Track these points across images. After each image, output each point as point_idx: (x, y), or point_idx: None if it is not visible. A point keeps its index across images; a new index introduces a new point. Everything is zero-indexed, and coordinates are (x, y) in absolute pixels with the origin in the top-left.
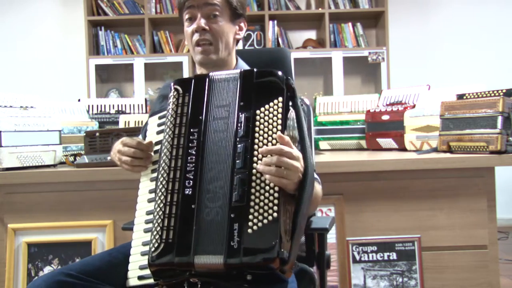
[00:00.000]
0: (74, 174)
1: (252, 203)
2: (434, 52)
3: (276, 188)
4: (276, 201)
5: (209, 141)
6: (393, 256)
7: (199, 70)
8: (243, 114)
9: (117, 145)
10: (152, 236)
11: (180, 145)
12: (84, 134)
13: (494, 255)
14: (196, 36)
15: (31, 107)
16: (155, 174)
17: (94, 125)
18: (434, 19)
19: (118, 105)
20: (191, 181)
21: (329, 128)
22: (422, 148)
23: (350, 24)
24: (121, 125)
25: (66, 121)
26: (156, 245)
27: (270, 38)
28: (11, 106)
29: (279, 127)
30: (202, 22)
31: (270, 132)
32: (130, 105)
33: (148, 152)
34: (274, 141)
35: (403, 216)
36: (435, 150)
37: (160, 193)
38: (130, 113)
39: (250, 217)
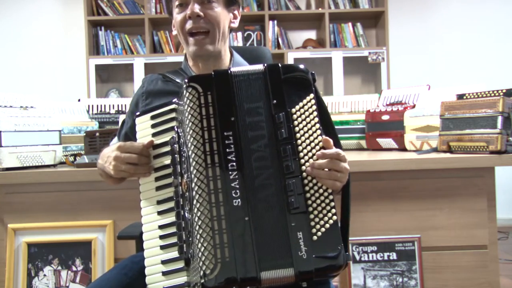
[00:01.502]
0: (74, 174)
1: (310, 209)
2: (434, 52)
3: (329, 191)
4: (332, 204)
5: (247, 145)
6: (393, 256)
7: (192, 63)
8: (281, 114)
9: (112, 152)
10: (204, 257)
11: (215, 151)
12: (84, 134)
13: (494, 255)
14: (189, 24)
15: (31, 107)
16: (160, 183)
17: (94, 125)
18: (434, 19)
19: (118, 105)
20: (238, 191)
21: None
22: (422, 148)
23: (350, 24)
24: None
25: (66, 121)
26: (211, 266)
27: (270, 38)
28: (11, 106)
29: (318, 125)
30: (196, 8)
31: (310, 132)
32: None
33: (150, 157)
34: (316, 141)
35: (403, 216)
36: (435, 150)
37: (202, 207)
38: None
39: (312, 223)
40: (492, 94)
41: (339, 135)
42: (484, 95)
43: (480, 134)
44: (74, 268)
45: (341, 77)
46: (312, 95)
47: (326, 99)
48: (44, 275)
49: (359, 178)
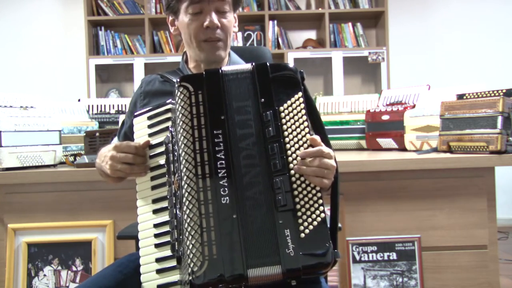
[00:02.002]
0: (74, 174)
1: (298, 206)
2: (434, 52)
3: (317, 188)
4: (320, 201)
5: (236, 143)
6: (393, 256)
7: (193, 64)
8: (269, 112)
9: (108, 152)
10: (192, 254)
11: (204, 149)
12: (84, 134)
13: (494, 255)
14: (205, 34)
15: (31, 107)
16: (155, 182)
17: (94, 125)
18: (434, 19)
19: (118, 105)
20: (226, 189)
21: (329, 128)
22: (422, 148)
23: (350, 24)
24: None
25: (66, 121)
26: (198, 263)
27: (270, 38)
28: (11, 106)
29: (306, 123)
30: (215, 19)
31: (298, 130)
32: None
33: (147, 157)
34: (304, 139)
35: (403, 216)
36: (435, 150)
37: (191, 205)
38: None
39: (300, 221)
40: (492, 94)
41: (339, 135)
42: (484, 95)
43: (480, 134)
44: (74, 268)
45: (341, 77)
46: (300, 94)
47: (326, 99)
48: (44, 275)
49: (359, 178)
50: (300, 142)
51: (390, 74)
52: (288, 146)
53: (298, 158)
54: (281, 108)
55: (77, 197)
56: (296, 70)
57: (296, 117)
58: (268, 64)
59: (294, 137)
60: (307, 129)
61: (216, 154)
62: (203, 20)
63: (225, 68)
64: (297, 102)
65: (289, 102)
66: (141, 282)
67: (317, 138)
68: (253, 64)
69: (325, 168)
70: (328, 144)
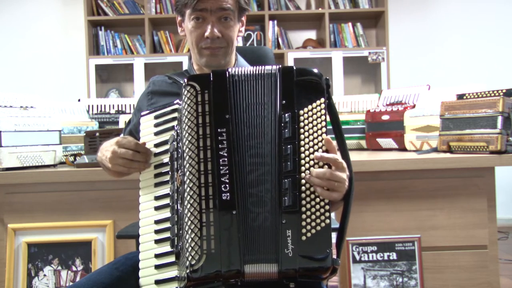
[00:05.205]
0: (74, 174)
1: (304, 209)
2: (434, 52)
3: None
4: (327, 207)
5: (242, 142)
6: (393, 256)
7: (197, 67)
8: (287, 114)
9: (110, 147)
10: (191, 248)
11: (208, 146)
12: (84, 134)
13: (494, 255)
14: (206, 43)
15: (31, 107)
16: (158, 179)
17: (94, 125)
18: (434, 19)
19: (118, 105)
20: (228, 185)
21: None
22: (422, 148)
23: (350, 24)
24: (121, 125)
25: (66, 121)
26: (196, 257)
27: (270, 38)
28: (11, 106)
29: (324, 129)
30: (216, 30)
31: (315, 135)
32: (130, 105)
33: (147, 154)
34: (320, 144)
35: (403, 216)
36: (435, 150)
37: (192, 199)
38: (130, 113)
39: (303, 223)
40: (492, 94)
41: None
42: (484, 95)
43: (480, 134)
44: (74, 268)
45: (341, 77)
46: (322, 100)
47: None
48: (44, 275)
49: (359, 178)
50: (316, 147)
51: (390, 74)
52: (302, 149)
53: (311, 162)
54: (301, 112)
55: (77, 197)
56: (321, 76)
57: (315, 122)
58: (294, 68)
59: (310, 141)
60: (324, 135)
61: (219, 151)
62: (204, 29)
63: (234, 69)
64: (318, 108)
65: (310, 107)
66: (137, 279)
67: (331, 141)
68: (280, 66)
69: (336, 180)
70: (345, 155)
